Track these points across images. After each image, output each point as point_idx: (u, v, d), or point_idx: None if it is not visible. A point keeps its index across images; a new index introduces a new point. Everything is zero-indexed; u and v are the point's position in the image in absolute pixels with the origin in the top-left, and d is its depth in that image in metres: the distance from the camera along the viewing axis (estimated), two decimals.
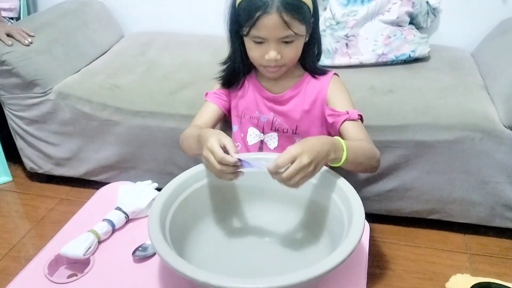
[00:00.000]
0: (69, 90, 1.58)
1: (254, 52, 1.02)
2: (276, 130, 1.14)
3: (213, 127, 1.15)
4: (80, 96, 1.56)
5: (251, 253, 0.91)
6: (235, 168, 0.84)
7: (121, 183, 1.15)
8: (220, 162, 0.83)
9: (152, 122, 1.48)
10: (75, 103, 1.56)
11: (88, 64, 1.75)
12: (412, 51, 1.61)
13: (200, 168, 0.94)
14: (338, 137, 0.90)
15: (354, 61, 1.63)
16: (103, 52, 1.86)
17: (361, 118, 1.07)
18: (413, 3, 1.65)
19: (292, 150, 0.78)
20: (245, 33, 0.99)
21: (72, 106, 1.57)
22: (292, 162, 0.78)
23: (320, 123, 1.11)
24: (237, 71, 1.11)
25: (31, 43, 1.58)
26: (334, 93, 1.09)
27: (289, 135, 1.13)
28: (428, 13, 1.74)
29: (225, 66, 1.13)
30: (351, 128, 1.03)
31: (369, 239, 0.96)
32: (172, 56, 1.75)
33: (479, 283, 1.16)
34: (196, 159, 1.37)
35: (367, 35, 1.63)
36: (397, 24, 1.65)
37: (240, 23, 0.99)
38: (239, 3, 0.98)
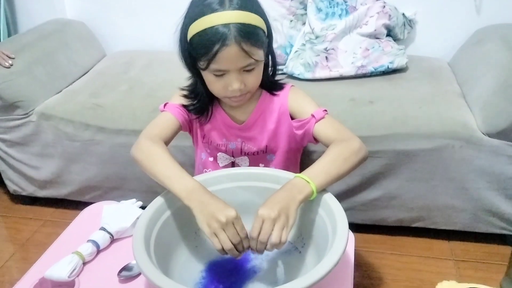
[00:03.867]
0: (51, 111, 1.57)
1: (215, 85, 0.98)
2: (246, 154, 1.12)
3: (170, 141, 1.06)
4: (62, 116, 1.55)
5: (236, 268, 0.91)
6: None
7: (105, 202, 1.14)
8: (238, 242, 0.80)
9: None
10: (57, 123, 1.55)
11: (70, 84, 1.75)
12: (391, 63, 1.65)
13: None
14: (297, 175, 0.88)
15: (334, 73, 1.65)
16: (85, 72, 1.86)
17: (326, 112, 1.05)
18: (390, 15, 1.68)
19: (257, 214, 0.80)
20: (203, 67, 0.94)
21: (54, 127, 1.56)
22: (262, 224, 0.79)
23: (287, 136, 1.09)
24: (204, 102, 1.07)
25: (11, 65, 1.57)
26: (295, 103, 1.07)
27: (260, 156, 1.12)
28: (404, 25, 1.78)
29: (191, 98, 1.08)
30: (322, 131, 1.01)
31: (355, 249, 0.97)
32: (155, 74, 1.76)
33: None
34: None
35: (346, 48, 1.66)
36: (374, 36, 1.69)
37: (195, 57, 0.94)
38: (192, 37, 0.92)
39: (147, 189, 1.56)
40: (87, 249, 0.95)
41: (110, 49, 2.09)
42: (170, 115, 1.07)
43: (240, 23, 0.89)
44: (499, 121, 1.29)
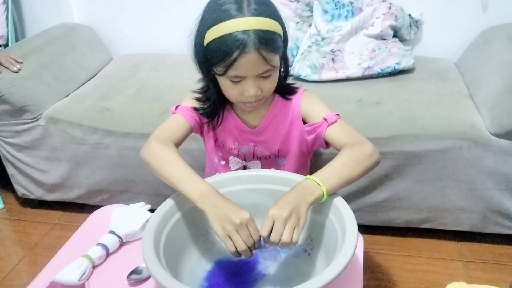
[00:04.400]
0: (59, 115, 1.58)
1: (231, 90, 0.96)
2: (258, 158, 1.12)
3: (181, 144, 1.04)
4: (70, 120, 1.56)
5: (246, 270, 0.91)
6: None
7: (113, 206, 1.14)
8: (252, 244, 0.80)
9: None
10: (66, 127, 1.56)
11: (78, 88, 1.76)
12: (397, 64, 1.64)
13: None
14: (308, 176, 0.88)
15: (341, 75, 1.65)
16: (92, 75, 1.87)
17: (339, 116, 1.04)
18: (396, 16, 1.68)
19: (268, 213, 0.81)
20: (220, 72, 0.93)
21: (62, 130, 1.57)
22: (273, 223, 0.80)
23: (299, 140, 1.09)
24: (216, 107, 1.06)
25: (19, 69, 1.59)
26: (308, 107, 1.06)
27: (272, 160, 1.12)
28: (411, 26, 1.77)
29: (203, 102, 1.07)
30: (334, 134, 1.00)
31: (364, 251, 0.96)
32: (162, 77, 1.76)
33: None
34: None
35: (352, 50, 1.66)
36: (381, 37, 1.68)
37: (211, 62, 0.93)
38: (210, 42, 0.91)
39: (155, 192, 1.56)
40: (96, 252, 0.95)
41: (117, 52, 2.10)
42: (181, 118, 1.06)
43: (259, 30, 0.88)
44: (507, 121, 1.29)
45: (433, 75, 1.65)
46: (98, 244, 0.97)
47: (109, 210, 1.10)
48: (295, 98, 1.08)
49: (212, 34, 0.90)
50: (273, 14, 0.93)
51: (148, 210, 1.06)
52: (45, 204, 1.81)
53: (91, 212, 1.16)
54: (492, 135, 1.32)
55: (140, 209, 1.06)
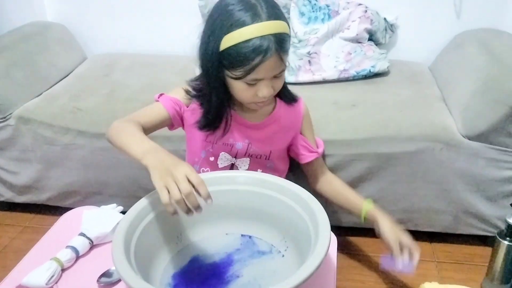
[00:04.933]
0: (30, 114, 1.54)
1: (245, 93, 0.97)
2: (250, 156, 1.13)
3: (151, 131, 1.03)
4: (41, 120, 1.53)
5: (219, 272, 0.90)
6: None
7: (85, 207, 1.12)
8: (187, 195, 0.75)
9: None
10: (36, 127, 1.53)
11: (50, 88, 1.72)
12: (372, 67, 1.66)
13: None
14: (365, 203, 1.19)
15: (317, 77, 1.66)
16: (65, 75, 1.83)
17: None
18: (371, 20, 1.70)
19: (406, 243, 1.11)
20: (237, 77, 0.93)
21: (33, 131, 1.53)
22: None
23: (287, 146, 1.16)
24: (219, 116, 1.05)
25: None
26: (306, 123, 1.17)
27: (261, 161, 1.13)
28: (386, 30, 1.79)
29: (205, 111, 1.05)
30: (315, 163, 1.21)
31: (337, 252, 0.96)
32: (137, 77, 1.74)
33: None
34: None
35: (328, 52, 1.67)
36: (356, 40, 1.70)
37: (227, 67, 0.94)
38: (227, 49, 0.91)
39: (128, 194, 1.54)
40: (66, 255, 0.93)
41: (91, 51, 2.07)
42: (160, 106, 1.06)
43: (277, 33, 0.90)
44: (478, 124, 1.31)
45: (407, 79, 1.67)
46: (68, 246, 0.95)
47: (79, 212, 1.07)
48: (296, 108, 1.14)
49: (229, 40, 0.90)
50: (283, 15, 0.95)
51: (120, 212, 1.04)
52: (15, 207, 1.76)
53: (63, 214, 1.14)
54: (464, 137, 1.34)
55: (111, 211, 1.04)
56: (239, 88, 0.98)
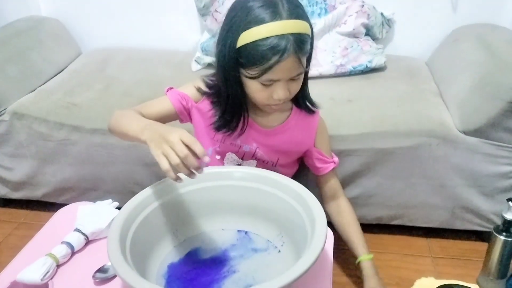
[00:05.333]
0: (24, 110, 1.53)
1: (260, 93, 0.95)
2: (256, 159, 1.11)
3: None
4: (36, 115, 1.51)
5: (215, 267, 0.90)
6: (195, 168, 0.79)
7: (80, 203, 1.11)
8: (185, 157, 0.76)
9: (112, 139, 1.45)
10: (31, 123, 1.51)
11: (44, 83, 1.71)
12: (369, 62, 1.66)
13: (161, 185, 0.93)
14: (365, 258, 1.16)
15: (313, 72, 1.65)
16: (59, 70, 1.82)
17: None
18: (368, 15, 1.69)
19: None
20: (252, 76, 0.91)
21: (27, 126, 1.52)
22: None
23: (297, 157, 1.15)
24: (236, 116, 1.02)
25: None
26: (321, 136, 1.14)
27: (268, 166, 1.11)
28: (383, 24, 1.79)
29: (221, 111, 1.03)
30: (331, 178, 1.19)
31: (334, 248, 0.96)
32: (132, 72, 1.73)
33: (443, 285, 1.17)
34: (157, 175, 1.35)
35: (325, 47, 1.67)
36: (353, 35, 1.70)
37: (243, 65, 0.91)
38: (244, 45, 0.89)
39: (124, 190, 1.53)
40: (61, 251, 0.92)
41: (86, 47, 2.05)
42: (167, 100, 1.05)
43: (296, 33, 0.87)
44: (475, 119, 1.31)
45: (404, 74, 1.67)
46: (63, 242, 0.94)
47: (75, 208, 1.07)
48: (312, 121, 1.12)
49: (247, 37, 0.88)
50: (305, 15, 0.92)
51: (116, 208, 1.04)
52: (10, 203, 1.75)
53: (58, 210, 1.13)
54: (461, 132, 1.34)
55: (107, 206, 1.04)
56: (254, 89, 0.95)
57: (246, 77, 0.93)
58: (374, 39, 1.77)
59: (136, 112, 0.98)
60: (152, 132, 0.82)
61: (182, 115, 1.07)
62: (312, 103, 1.10)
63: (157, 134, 0.80)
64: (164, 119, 1.04)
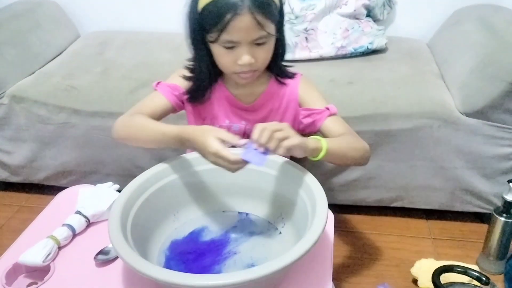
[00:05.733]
0: (23, 93, 1.52)
1: (225, 58, 0.95)
2: (249, 137, 1.11)
3: (157, 120, 1.03)
4: (35, 99, 1.51)
5: (216, 248, 0.90)
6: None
7: (80, 186, 1.11)
8: (234, 164, 0.82)
9: (112, 122, 1.41)
10: (30, 106, 1.51)
11: (43, 66, 1.70)
12: (370, 43, 1.64)
13: (161, 167, 0.93)
14: (313, 136, 0.91)
15: (314, 54, 1.64)
16: (58, 53, 1.81)
17: None
18: None
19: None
20: (213, 39, 0.91)
21: (27, 109, 1.51)
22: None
23: (291, 125, 1.09)
24: (204, 83, 1.03)
25: None
26: (306, 94, 1.06)
27: None
28: (384, 6, 1.77)
29: (190, 79, 1.04)
30: (332, 125, 1.01)
31: (335, 230, 0.96)
32: (131, 55, 1.72)
33: (443, 266, 1.19)
34: (157, 158, 1.35)
35: (325, 29, 1.65)
36: (354, 17, 1.68)
37: (205, 29, 0.92)
38: (204, 7, 0.90)
39: (124, 173, 1.53)
40: (62, 233, 0.92)
41: (84, 29, 2.03)
42: (160, 95, 1.04)
43: None
44: (477, 101, 1.31)
45: (405, 55, 1.65)
46: (64, 224, 0.95)
47: (75, 191, 1.07)
48: (292, 84, 1.07)
49: None
50: None
51: (116, 190, 1.03)
52: (11, 187, 1.75)
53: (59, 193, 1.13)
54: (462, 114, 1.34)
55: (108, 189, 1.03)
56: (218, 54, 0.95)
57: (210, 41, 0.94)
58: (375, 20, 1.75)
59: (144, 116, 0.99)
60: (193, 148, 0.88)
61: (177, 106, 1.07)
62: (287, 71, 1.08)
63: (200, 152, 0.87)
64: (163, 115, 1.05)
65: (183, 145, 0.90)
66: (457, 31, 1.61)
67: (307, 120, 1.05)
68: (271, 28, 0.93)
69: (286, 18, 1.63)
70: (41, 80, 1.59)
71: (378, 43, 1.65)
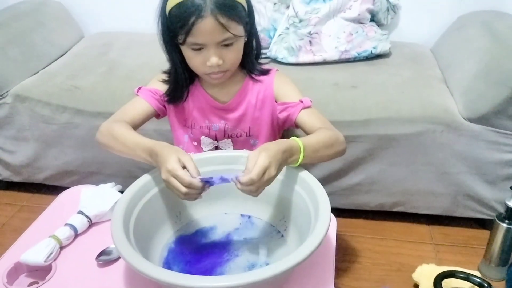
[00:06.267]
0: (26, 92, 1.53)
1: (194, 60, 0.97)
2: (230, 137, 1.11)
3: (139, 126, 1.05)
4: (38, 98, 1.51)
5: (218, 250, 0.90)
6: (201, 189, 0.81)
7: (83, 186, 1.12)
8: (187, 187, 0.79)
9: None
10: (33, 106, 1.51)
11: (47, 66, 1.70)
12: (374, 48, 1.64)
13: None
14: (295, 138, 0.88)
15: (318, 58, 1.64)
16: (62, 53, 1.81)
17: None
18: (373, 0, 1.67)
19: (261, 162, 0.77)
20: (181, 41, 0.93)
21: (30, 109, 1.51)
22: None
23: (270, 121, 1.09)
24: (180, 84, 1.05)
25: None
26: (281, 88, 1.07)
27: (243, 139, 1.11)
28: (388, 10, 1.77)
29: (168, 80, 1.07)
30: (307, 117, 1.02)
31: (336, 233, 0.96)
32: (134, 55, 1.72)
33: (444, 272, 1.18)
34: None
35: (329, 33, 1.65)
36: (358, 21, 1.68)
37: (174, 31, 0.93)
38: (170, 10, 0.92)
39: (126, 174, 1.53)
40: (64, 233, 0.93)
41: (88, 30, 2.04)
42: (141, 100, 1.07)
43: None
44: (480, 106, 1.30)
45: (409, 60, 1.65)
46: (66, 224, 0.95)
47: (78, 191, 1.07)
48: (267, 79, 1.08)
49: (172, 1, 0.91)
50: None
51: (119, 191, 1.04)
52: (13, 186, 1.75)
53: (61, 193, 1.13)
54: (465, 119, 1.33)
55: (110, 189, 1.04)
56: (187, 56, 0.97)
57: (179, 43, 0.95)
58: (379, 25, 1.76)
59: (125, 125, 0.99)
60: (156, 163, 0.86)
61: (159, 110, 1.09)
62: (261, 68, 1.09)
63: (159, 168, 0.84)
64: (145, 120, 1.07)
65: (150, 158, 0.88)
66: (460, 37, 1.61)
67: (283, 115, 1.06)
68: (238, 29, 0.94)
69: (290, 21, 1.64)
70: (44, 80, 1.59)
71: (381, 48, 1.65)
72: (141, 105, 1.06)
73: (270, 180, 0.79)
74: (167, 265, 0.85)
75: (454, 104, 1.38)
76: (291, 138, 0.89)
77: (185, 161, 0.81)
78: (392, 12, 1.78)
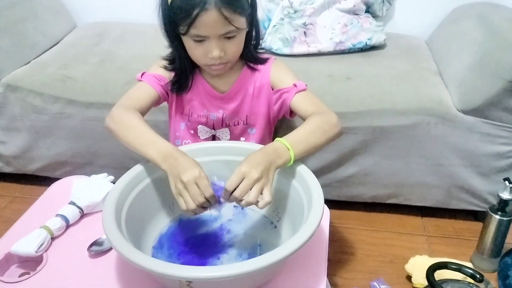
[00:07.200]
0: (18, 82, 1.51)
1: (195, 51, 0.96)
2: (227, 126, 1.11)
3: (146, 112, 1.03)
4: (30, 88, 1.49)
5: (211, 241, 0.89)
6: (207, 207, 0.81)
7: (75, 177, 1.11)
8: (205, 198, 0.78)
9: (108, 113, 1.43)
10: (25, 96, 1.49)
11: (39, 56, 1.68)
12: (369, 39, 1.63)
13: None
14: (278, 139, 0.88)
15: (312, 49, 1.63)
16: (54, 43, 1.79)
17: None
18: None
19: (239, 169, 0.78)
20: (183, 32, 0.92)
21: (22, 99, 1.50)
22: (242, 180, 0.78)
23: (267, 109, 1.09)
24: (184, 73, 1.05)
25: None
26: (277, 75, 1.07)
27: (240, 127, 1.11)
28: (383, 2, 1.76)
29: (172, 70, 1.06)
30: (300, 101, 1.01)
31: (330, 225, 0.96)
32: (128, 46, 1.70)
33: (437, 263, 1.19)
34: None
35: (324, 24, 1.64)
36: (353, 12, 1.67)
37: (176, 22, 0.93)
38: (172, 1, 0.91)
39: (120, 165, 1.52)
40: (55, 223, 0.92)
41: (81, 20, 2.01)
42: (147, 85, 1.04)
43: None
44: (474, 98, 1.30)
45: (404, 52, 1.65)
46: (58, 215, 0.94)
47: (69, 181, 1.06)
48: (264, 68, 1.08)
49: None
50: None
51: (111, 182, 1.03)
52: (4, 177, 1.74)
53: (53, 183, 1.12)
54: (459, 111, 1.33)
55: (102, 180, 1.03)
56: (189, 47, 0.97)
57: (181, 34, 0.95)
58: (374, 16, 1.75)
59: (138, 116, 0.95)
60: (171, 166, 0.82)
61: (162, 96, 1.07)
62: (259, 58, 1.08)
63: (176, 171, 0.81)
64: (151, 106, 1.05)
65: (163, 159, 0.84)
66: (455, 29, 1.60)
67: (279, 103, 1.06)
68: (241, 22, 0.93)
69: (285, 12, 1.63)
70: (36, 69, 1.57)
71: (376, 39, 1.64)
72: (148, 91, 1.04)
73: (257, 183, 0.78)
74: (159, 255, 0.85)
75: (448, 96, 1.38)
76: (275, 139, 0.88)
77: (202, 177, 0.80)
78: (388, 3, 1.78)
